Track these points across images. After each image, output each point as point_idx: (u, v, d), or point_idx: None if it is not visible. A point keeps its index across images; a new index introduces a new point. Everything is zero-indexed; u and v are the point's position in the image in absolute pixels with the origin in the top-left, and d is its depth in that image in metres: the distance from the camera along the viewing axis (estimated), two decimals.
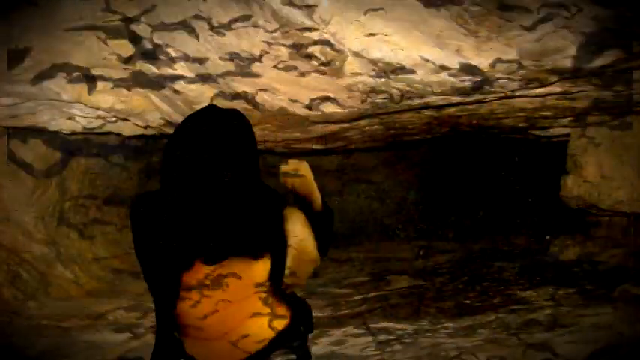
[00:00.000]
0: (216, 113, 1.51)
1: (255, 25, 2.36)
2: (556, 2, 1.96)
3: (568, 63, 2.31)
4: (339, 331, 2.86)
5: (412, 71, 2.50)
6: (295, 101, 2.98)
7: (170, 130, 3.76)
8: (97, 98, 3.15)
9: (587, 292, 3.06)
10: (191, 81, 2.94)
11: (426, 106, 3.08)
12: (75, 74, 3.00)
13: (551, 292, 3.13)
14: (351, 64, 2.52)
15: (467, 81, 2.55)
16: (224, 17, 2.39)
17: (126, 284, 4.25)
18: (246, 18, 2.33)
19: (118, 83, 3.12)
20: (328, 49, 2.43)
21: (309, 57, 2.53)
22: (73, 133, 3.94)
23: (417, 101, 2.92)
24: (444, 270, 4.47)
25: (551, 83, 2.62)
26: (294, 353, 1.52)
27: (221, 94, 3.00)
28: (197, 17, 2.45)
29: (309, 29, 2.30)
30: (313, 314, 1.62)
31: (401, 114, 3.30)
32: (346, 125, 3.55)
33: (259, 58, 2.60)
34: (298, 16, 2.23)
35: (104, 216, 5.16)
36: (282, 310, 1.51)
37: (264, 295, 1.46)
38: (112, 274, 4.49)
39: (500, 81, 2.55)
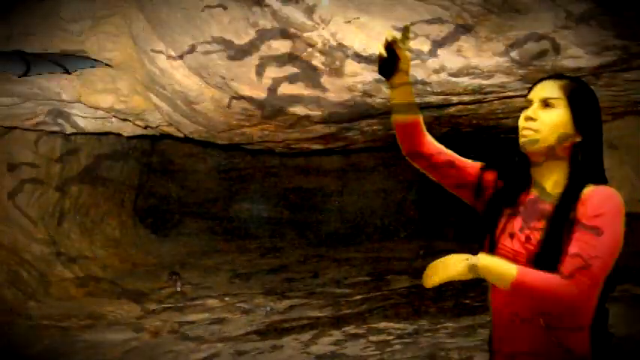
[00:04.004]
0: None
1: (255, 25, 2.36)
2: (555, 3, 1.96)
3: (568, 63, 2.31)
4: (339, 331, 2.85)
5: (412, 71, 2.49)
6: (295, 101, 2.98)
7: (170, 130, 3.76)
8: (97, 98, 3.15)
9: None
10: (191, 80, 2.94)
11: (426, 106, 3.08)
12: (75, 74, 3.00)
13: None
14: (351, 64, 2.52)
15: (467, 81, 2.55)
16: (224, 17, 2.39)
17: (126, 284, 4.25)
18: (246, 18, 2.33)
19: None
20: (328, 49, 2.43)
21: (309, 57, 2.52)
22: (73, 133, 3.94)
23: (417, 101, 2.91)
24: None
25: None
26: None
27: (221, 93, 3.00)
28: (198, 17, 2.45)
29: (309, 29, 2.30)
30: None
31: None
32: (346, 125, 3.55)
33: (259, 58, 2.59)
34: (298, 16, 2.23)
35: (104, 216, 5.17)
36: None
37: None
38: (112, 274, 4.49)
39: (501, 81, 2.55)
